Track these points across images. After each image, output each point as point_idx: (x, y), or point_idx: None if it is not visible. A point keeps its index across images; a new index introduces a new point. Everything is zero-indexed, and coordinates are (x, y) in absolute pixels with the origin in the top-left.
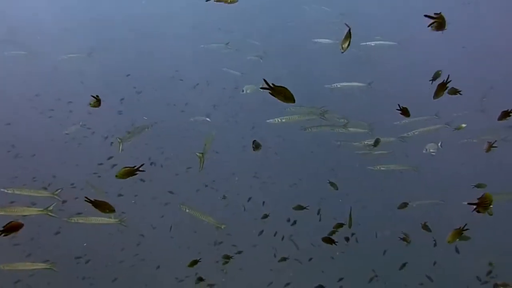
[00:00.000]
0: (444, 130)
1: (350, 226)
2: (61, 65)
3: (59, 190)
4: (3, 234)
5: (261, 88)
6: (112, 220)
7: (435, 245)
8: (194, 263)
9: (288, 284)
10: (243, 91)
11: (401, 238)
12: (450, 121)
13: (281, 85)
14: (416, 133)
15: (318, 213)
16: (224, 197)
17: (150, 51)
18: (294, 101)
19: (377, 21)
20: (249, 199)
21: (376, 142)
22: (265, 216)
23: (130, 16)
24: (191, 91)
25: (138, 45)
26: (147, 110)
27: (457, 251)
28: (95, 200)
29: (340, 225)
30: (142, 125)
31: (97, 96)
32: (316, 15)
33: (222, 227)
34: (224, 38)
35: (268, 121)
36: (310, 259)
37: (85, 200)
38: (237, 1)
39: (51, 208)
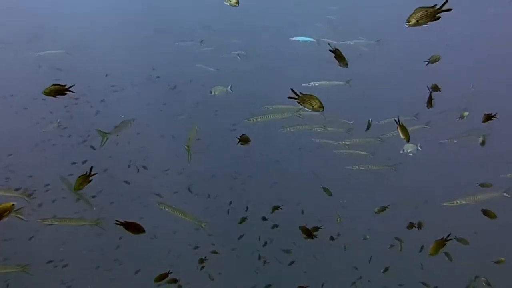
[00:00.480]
0: (424, 130)
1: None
2: (38, 62)
3: (28, 192)
4: None
5: (289, 97)
6: (87, 222)
7: (420, 250)
8: (161, 278)
9: (269, 285)
10: (211, 92)
11: (396, 238)
12: (429, 122)
13: (309, 93)
14: (394, 134)
15: (302, 212)
16: (209, 196)
17: (128, 49)
18: (323, 109)
19: (360, 19)
20: (230, 202)
21: (368, 125)
22: (243, 220)
23: (109, 14)
24: (169, 91)
25: (118, 44)
26: (125, 109)
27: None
28: (126, 221)
29: (316, 228)
30: (125, 121)
31: (64, 85)
32: (300, 16)
33: (203, 225)
34: (204, 36)
35: (244, 120)
36: (292, 262)
37: (116, 223)
38: (238, 5)
39: (20, 210)
